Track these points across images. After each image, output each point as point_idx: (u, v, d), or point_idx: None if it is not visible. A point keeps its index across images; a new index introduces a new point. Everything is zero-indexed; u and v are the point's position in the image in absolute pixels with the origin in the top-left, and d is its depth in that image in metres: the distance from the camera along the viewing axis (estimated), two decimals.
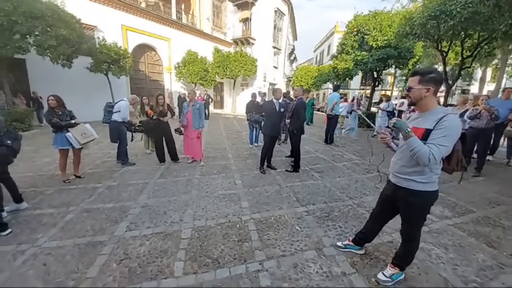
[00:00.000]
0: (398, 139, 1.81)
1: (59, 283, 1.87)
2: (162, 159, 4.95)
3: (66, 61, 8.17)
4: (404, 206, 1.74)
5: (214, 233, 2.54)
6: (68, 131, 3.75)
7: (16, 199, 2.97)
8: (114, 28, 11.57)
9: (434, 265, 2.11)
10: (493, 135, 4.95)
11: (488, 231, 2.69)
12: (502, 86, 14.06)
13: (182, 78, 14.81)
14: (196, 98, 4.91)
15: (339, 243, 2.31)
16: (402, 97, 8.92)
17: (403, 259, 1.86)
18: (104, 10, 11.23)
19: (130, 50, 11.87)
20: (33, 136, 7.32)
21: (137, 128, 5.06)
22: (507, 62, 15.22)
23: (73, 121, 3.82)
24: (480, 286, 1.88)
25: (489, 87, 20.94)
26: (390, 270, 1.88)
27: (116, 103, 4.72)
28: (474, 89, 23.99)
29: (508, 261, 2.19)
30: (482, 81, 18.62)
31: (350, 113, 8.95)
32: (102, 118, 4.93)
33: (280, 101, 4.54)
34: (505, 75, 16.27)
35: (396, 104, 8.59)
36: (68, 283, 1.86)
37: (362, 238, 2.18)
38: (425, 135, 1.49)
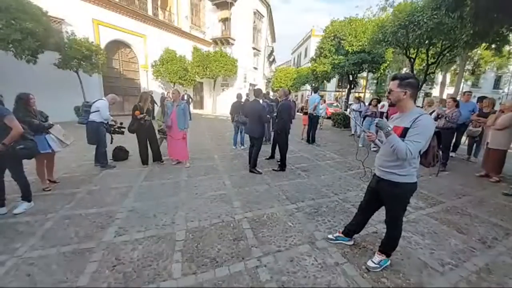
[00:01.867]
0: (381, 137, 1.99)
1: None
2: (145, 161, 4.79)
3: (31, 57, 7.50)
4: (387, 197, 1.93)
5: (209, 233, 2.55)
6: (48, 133, 3.45)
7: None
8: (84, 22, 10.85)
9: (414, 250, 2.34)
10: (454, 134, 5.49)
11: (457, 219, 3.02)
12: (460, 89, 15.66)
13: (160, 77, 14.32)
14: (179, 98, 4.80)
15: (330, 236, 2.45)
16: (377, 101, 9.49)
17: (388, 245, 2.04)
18: (73, 2, 10.48)
19: (102, 46, 11.18)
20: None
21: (116, 129, 4.81)
22: (465, 68, 16.99)
23: (51, 122, 3.53)
24: (456, 268, 2.13)
25: (449, 90, 23.16)
26: (377, 257, 2.05)
27: (93, 102, 4.45)
28: (435, 92, 26.39)
29: (477, 245, 2.48)
30: (443, 85, 20.50)
31: (364, 118, 7.20)
32: (78, 118, 4.64)
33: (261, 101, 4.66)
34: (462, 80, 18.13)
35: (368, 105, 9.19)
36: None
37: (351, 230, 2.34)
38: (403, 133, 1.69)
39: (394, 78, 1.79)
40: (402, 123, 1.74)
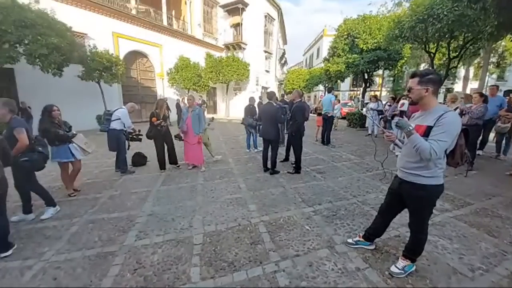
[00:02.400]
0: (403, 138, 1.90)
1: None
2: (163, 166, 4.92)
3: (57, 70, 8.01)
4: (411, 200, 1.82)
5: (226, 237, 2.55)
6: (71, 142, 3.65)
7: (26, 209, 2.98)
8: (104, 36, 11.47)
9: (441, 255, 2.20)
10: (481, 131, 5.13)
11: (487, 221, 2.82)
12: (485, 83, 14.74)
13: (175, 84, 14.76)
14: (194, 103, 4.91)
15: (349, 240, 2.36)
16: (393, 99, 9.17)
17: (413, 250, 1.93)
18: (94, 17, 11.13)
19: (121, 57, 11.77)
20: None
21: (134, 137, 4.99)
22: (489, 61, 15.99)
23: (74, 132, 3.74)
24: (486, 272, 1.98)
25: (472, 85, 21.87)
26: (402, 262, 1.95)
27: (114, 111, 4.67)
28: (457, 87, 24.99)
29: (509, 248, 2.30)
30: (466, 79, 19.45)
31: (392, 118, 6.61)
32: (100, 126, 4.87)
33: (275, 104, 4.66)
34: (487, 73, 17.05)
35: (385, 104, 8.89)
36: None
37: (372, 234, 2.24)
38: (427, 132, 1.59)
39: (413, 75, 1.69)
40: (425, 122, 1.64)
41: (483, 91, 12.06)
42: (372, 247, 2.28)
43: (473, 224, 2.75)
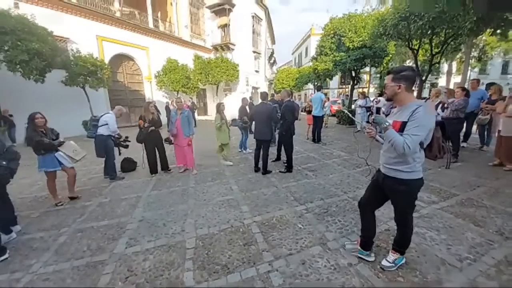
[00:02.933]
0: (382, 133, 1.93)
1: None
2: (154, 170, 4.85)
3: (39, 76, 7.75)
4: (393, 194, 1.87)
5: (219, 239, 2.54)
6: (57, 151, 3.54)
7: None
8: (88, 39, 11.18)
9: (430, 247, 2.26)
10: (463, 124, 5.28)
11: (473, 211, 2.92)
12: (467, 77, 15.28)
13: (163, 86, 14.55)
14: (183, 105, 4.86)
15: (348, 246, 2.27)
16: (379, 95, 9.38)
17: (400, 243, 1.97)
18: (77, 20, 10.83)
19: (106, 61, 11.49)
20: None
21: (121, 143, 4.88)
22: (471, 55, 16.55)
23: (62, 139, 3.62)
24: (474, 262, 2.05)
25: (455, 79, 22.61)
26: (392, 256, 1.99)
27: (101, 116, 4.55)
28: (442, 81, 25.79)
29: (495, 237, 2.39)
30: (449, 74, 20.07)
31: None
32: (87, 132, 4.75)
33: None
34: (469, 68, 17.66)
35: (372, 100, 9.08)
36: None
37: (366, 236, 2.11)
38: (402, 127, 1.64)
39: (388, 72, 1.77)
40: (400, 117, 1.69)
41: (466, 85, 12.52)
42: (372, 258, 2.09)
43: (459, 215, 2.84)
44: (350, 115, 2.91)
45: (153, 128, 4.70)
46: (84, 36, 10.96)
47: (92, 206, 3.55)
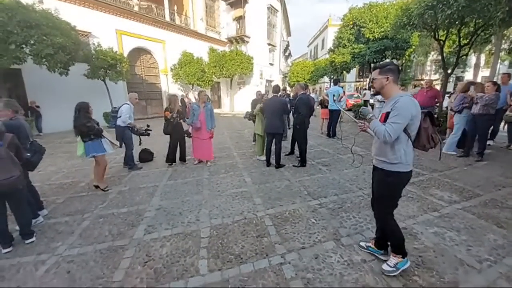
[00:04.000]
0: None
1: None
2: (173, 160, 5.01)
3: (63, 69, 8.11)
4: (379, 186, 1.88)
5: (232, 230, 2.60)
6: (103, 137, 3.78)
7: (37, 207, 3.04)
8: (108, 33, 11.51)
9: (449, 247, 2.18)
10: (492, 121, 4.92)
11: (496, 212, 2.77)
12: (497, 71, 14.21)
13: (179, 79, 14.77)
14: (196, 100, 4.88)
15: (362, 244, 2.23)
16: (367, 89, 9.07)
17: (395, 245, 1.90)
18: (98, 15, 11.15)
19: (125, 54, 11.82)
20: None
21: (143, 131, 5.03)
22: (501, 48, 15.33)
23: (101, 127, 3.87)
24: (494, 264, 1.96)
25: (483, 72, 21.11)
26: (393, 259, 1.88)
27: (120, 107, 4.72)
28: (468, 75, 24.17)
29: None
30: (477, 67, 18.74)
31: (460, 112, 5.05)
32: (108, 123, 4.96)
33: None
34: (499, 61, 16.39)
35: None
36: None
37: (380, 237, 2.06)
38: (386, 118, 1.70)
39: (374, 68, 1.85)
40: (385, 109, 1.76)
41: (495, 79, 11.66)
42: (386, 258, 2.01)
43: (481, 216, 2.70)
44: (343, 110, 2.93)
45: (176, 117, 4.81)
46: (104, 31, 11.29)
47: (113, 194, 3.73)
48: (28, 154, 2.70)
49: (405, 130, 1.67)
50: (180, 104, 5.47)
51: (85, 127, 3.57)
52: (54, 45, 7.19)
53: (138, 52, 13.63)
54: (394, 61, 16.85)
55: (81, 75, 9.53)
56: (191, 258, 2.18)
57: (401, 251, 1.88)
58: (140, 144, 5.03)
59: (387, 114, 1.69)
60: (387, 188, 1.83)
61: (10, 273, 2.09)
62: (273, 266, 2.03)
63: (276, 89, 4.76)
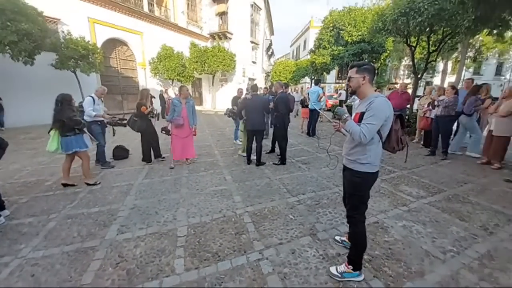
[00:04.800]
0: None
1: None
2: (149, 159, 4.81)
3: (28, 58, 7.43)
4: (348, 185, 1.89)
5: (210, 228, 2.56)
6: (85, 131, 3.61)
7: None
8: (80, 21, 10.73)
9: (415, 239, 2.34)
10: (453, 122, 5.30)
11: (459, 207, 3.02)
12: (462, 77, 15.45)
13: (158, 74, 14.23)
14: (176, 95, 4.70)
15: (336, 237, 2.31)
16: (343, 90, 9.54)
17: (352, 254, 1.84)
18: (68, 1, 10.34)
19: (99, 45, 11.10)
20: None
21: (118, 122, 4.75)
22: (466, 55, 16.68)
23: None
24: (457, 255, 2.13)
25: (450, 78, 22.83)
26: (343, 268, 1.85)
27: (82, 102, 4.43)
28: (436, 80, 26.07)
29: (479, 232, 2.48)
30: (444, 73, 20.21)
31: (471, 114, 5.08)
32: None
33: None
34: (464, 67, 17.83)
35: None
36: None
37: None
38: (361, 118, 1.69)
39: (351, 66, 1.82)
40: (360, 109, 1.75)
41: (460, 85, 12.66)
42: None
43: (445, 210, 2.93)
44: (320, 110, 3.04)
45: (156, 112, 4.62)
46: (75, 18, 10.51)
47: (83, 193, 3.51)
48: None
49: (378, 132, 1.66)
50: (154, 97, 5.24)
51: (72, 121, 3.38)
52: (18, 31, 6.59)
53: (113, 43, 12.89)
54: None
55: (48, 65, 8.80)
56: (167, 258, 2.12)
57: (355, 262, 1.82)
58: (114, 135, 4.74)
59: (362, 114, 1.68)
60: (355, 188, 1.81)
61: None
62: (250, 262, 2.04)
63: (254, 88, 4.73)
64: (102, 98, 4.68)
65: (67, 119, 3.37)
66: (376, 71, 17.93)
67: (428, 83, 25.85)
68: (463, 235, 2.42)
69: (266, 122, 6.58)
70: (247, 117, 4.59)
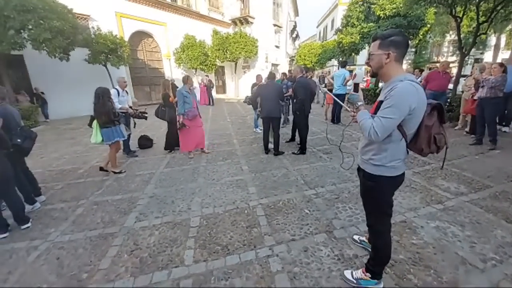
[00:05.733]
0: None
1: (73, 276, 1.90)
2: (172, 148, 4.95)
3: (63, 54, 7.99)
4: (361, 189, 1.59)
5: (223, 220, 2.53)
6: (120, 123, 3.87)
7: (35, 193, 3.09)
8: (108, 16, 11.17)
9: (450, 243, 2.04)
10: (499, 104, 4.46)
11: (506, 206, 2.57)
12: None
13: (181, 64, 14.47)
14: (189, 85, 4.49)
15: (356, 237, 2.11)
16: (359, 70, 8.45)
17: (371, 260, 1.61)
18: None
19: (126, 38, 11.53)
20: (41, 132, 7.37)
21: (139, 114, 4.92)
22: None
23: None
24: (500, 264, 1.81)
25: (504, 54, 19.67)
26: (360, 274, 1.65)
27: None
28: (488, 57, 22.63)
29: None
30: (497, 48, 17.48)
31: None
32: None
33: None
34: None
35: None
36: (82, 276, 1.89)
37: None
38: (378, 108, 1.32)
39: (374, 38, 1.37)
40: (381, 96, 1.36)
41: None
42: None
43: (490, 210, 2.51)
44: (333, 95, 2.44)
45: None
46: (104, 13, 10.95)
47: (109, 181, 3.72)
48: (19, 140, 2.69)
49: (399, 127, 1.27)
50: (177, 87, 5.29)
51: (112, 113, 3.67)
52: (51, 29, 7.04)
53: (140, 35, 13.29)
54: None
55: (82, 60, 9.41)
56: (178, 248, 2.13)
57: (373, 272, 1.59)
58: (134, 127, 4.91)
59: (380, 103, 1.31)
60: (369, 193, 1.52)
61: (2, 258, 2.12)
62: (260, 258, 1.96)
63: (271, 75, 4.49)
64: (127, 90, 4.86)
65: (106, 112, 3.61)
66: (415, 49, 16.02)
67: (477, 60, 22.63)
68: (509, 241, 2.05)
69: (282, 110, 6.31)
70: (262, 104, 4.41)
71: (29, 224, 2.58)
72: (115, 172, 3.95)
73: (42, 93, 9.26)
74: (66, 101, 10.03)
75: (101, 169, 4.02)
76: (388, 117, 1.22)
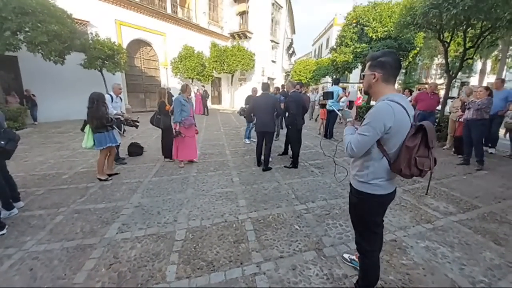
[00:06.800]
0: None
1: None
2: (170, 156, 4.76)
3: (58, 58, 7.93)
4: (349, 205, 1.58)
5: (209, 234, 2.43)
6: (113, 128, 3.80)
7: (13, 199, 2.92)
8: (107, 23, 11.28)
9: (440, 265, 2.01)
10: (486, 126, 4.60)
11: (494, 227, 2.58)
12: (503, 77, 13.87)
13: (178, 73, 14.57)
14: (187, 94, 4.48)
15: (346, 255, 2.05)
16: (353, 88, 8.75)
17: (360, 280, 1.59)
18: (97, 4, 10.92)
19: (124, 45, 11.60)
20: (27, 134, 7.16)
21: (130, 122, 4.83)
22: (508, 53, 14.98)
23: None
24: (488, 287, 1.78)
25: (489, 79, 20.73)
26: None
27: None
28: (474, 81, 23.76)
29: None
30: (482, 73, 18.40)
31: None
32: None
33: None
34: (505, 67, 16.05)
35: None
36: None
37: None
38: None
39: (367, 60, 1.45)
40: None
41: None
42: None
43: (478, 231, 2.52)
44: (337, 110, 2.61)
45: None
46: (103, 20, 11.07)
47: (94, 188, 3.58)
48: (2, 142, 2.58)
49: (379, 146, 1.29)
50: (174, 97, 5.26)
51: (106, 118, 3.63)
52: (48, 32, 7.01)
53: (138, 43, 13.41)
54: None
55: (77, 64, 9.34)
56: (160, 263, 2.02)
57: None
58: (123, 133, 4.80)
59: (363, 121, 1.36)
60: (354, 209, 1.51)
61: None
62: (246, 276, 1.87)
63: (265, 87, 4.52)
64: (121, 96, 4.81)
65: (100, 117, 3.57)
66: (405, 70, 16.70)
67: (463, 84, 23.68)
68: (497, 263, 2.04)
69: (276, 124, 6.34)
70: (256, 117, 4.40)
71: (4, 231, 2.42)
72: (100, 179, 3.81)
73: (33, 95, 9.08)
74: (57, 104, 9.85)
75: (109, 175, 3.95)
76: (363, 134, 1.27)
